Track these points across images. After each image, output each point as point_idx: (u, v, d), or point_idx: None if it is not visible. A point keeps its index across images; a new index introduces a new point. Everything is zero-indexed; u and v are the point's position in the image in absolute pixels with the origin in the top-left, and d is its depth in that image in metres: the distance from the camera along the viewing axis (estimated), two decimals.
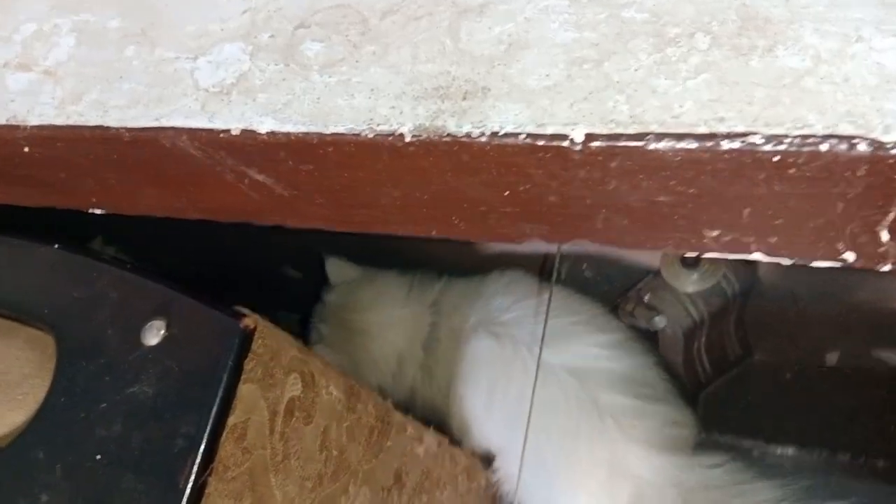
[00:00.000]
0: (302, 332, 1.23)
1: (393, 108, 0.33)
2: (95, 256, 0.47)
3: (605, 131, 0.30)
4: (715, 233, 0.34)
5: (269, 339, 0.44)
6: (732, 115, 0.28)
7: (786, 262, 0.34)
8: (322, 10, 0.38)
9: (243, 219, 0.45)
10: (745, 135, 0.28)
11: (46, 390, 0.44)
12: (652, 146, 0.29)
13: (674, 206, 0.32)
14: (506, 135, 0.31)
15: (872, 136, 0.26)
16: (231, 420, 0.41)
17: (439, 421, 0.92)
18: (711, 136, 0.28)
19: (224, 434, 0.40)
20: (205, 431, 0.40)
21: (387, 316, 0.92)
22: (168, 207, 0.46)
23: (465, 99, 0.32)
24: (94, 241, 1.08)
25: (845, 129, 0.26)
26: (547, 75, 0.31)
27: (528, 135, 0.30)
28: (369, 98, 0.34)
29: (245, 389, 0.42)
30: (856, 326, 0.82)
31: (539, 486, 0.73)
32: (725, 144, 0.28)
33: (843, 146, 0.26)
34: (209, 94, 0.38)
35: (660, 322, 0.71)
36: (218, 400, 0.40)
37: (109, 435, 0.41)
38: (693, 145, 0.28)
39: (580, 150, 0.30)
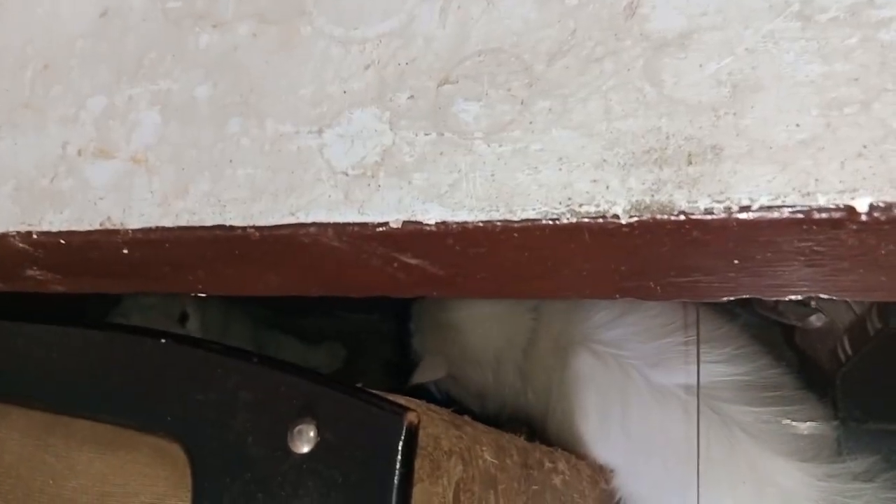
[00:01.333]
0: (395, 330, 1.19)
1: (595, 181, 0.28)
2: (214, 349, 0.42)
3: (894, 197, 0.24)
4: None
5: (429, 426, 0.39)
6: None
7: None
8: (468, 57, 0.31)
9: (379, 294, 0.39)
10: None
11: None
12: None
13: None
14: (760, 209, 0.25)
15: None
16: None
17: (531, 429, 0.88)
18: None
19: None
20: None
21: (479, 311, 0.88)
22: (290, 289, 0.41)
23: (691, 164, 0.26)
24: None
25: None
26: (797, 125, 0.25)
27: (792, 208, 0.25)
28: (559, 170, 0.28)
29: (417, 491, 0.37)
30: None
31: None
32: None
33: None
34: (350, 179, 0.32)
35: (816, 321, 0.66)
36: None
37: None
38: None
39: (862, 222, 0.24)
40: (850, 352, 0.67)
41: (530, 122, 0.29)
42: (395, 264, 0.34)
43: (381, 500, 0.36)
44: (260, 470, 0.39)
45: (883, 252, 0.26)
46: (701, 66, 0.27)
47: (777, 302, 0.67)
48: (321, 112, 0.34)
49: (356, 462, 0.37)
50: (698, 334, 0.68)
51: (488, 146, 0.30)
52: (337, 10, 0.34)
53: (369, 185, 0.31)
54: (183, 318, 1.08)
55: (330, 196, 0.32)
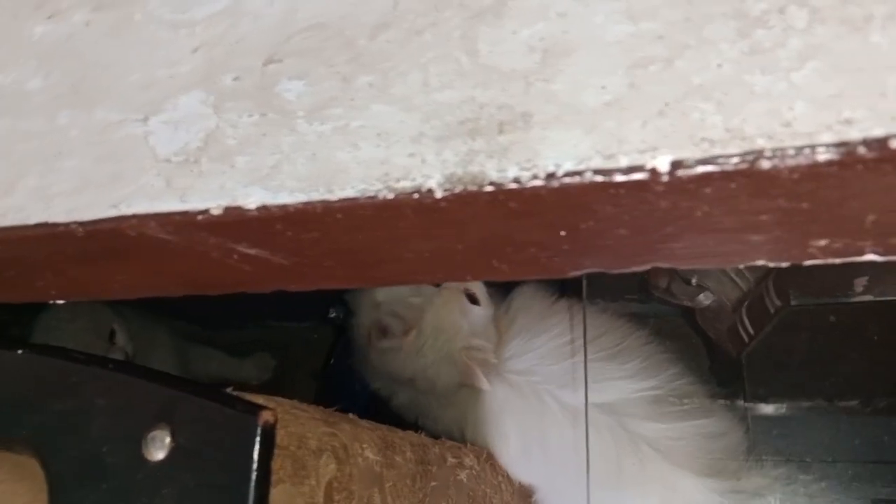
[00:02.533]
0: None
1: (412, 155, 0.27)
2: (72, 357, 0.40)
3: (697, 154, 0.23)
4: (822, 242, 0.28)
5: (291, 424, 0.37)
6: (863, 113, 0.22)
7: None
8: (295, 34, 0.30)
9: (235, 290, 0.38)
10: (885, 139, 0.21)
11: None
12: (762, 166, 0.23)
13: (777, 223, 0.26)
14: (566, 174, 0.24)
15: None
16: None
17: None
18: (840, 146, 0.22)
19: None
20: None
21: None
22: (145, 289, 0.39)
23: (502, 133, 0.26)
24: None
25: None
26: (604, 87, 0.25)
27: (596, 171, 0.24)
28: (378, 146, 0.27)
29: (277, 493, 0.36)
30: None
31: None
32: (861, 152, 0.22)
33: None
34: (173, 166, 0.30)
35: (705, 299, 0.66)
36: None
37: None
38: (816, 159, 0.22)
39: (666, 182, 0.24)
40: (751, 331, 0.68)
41: (352, 99, 0.28)
42: (236, 256, 0.33)
43: (237, 501, 0.34)
44: (115, 480, 0.37)
45: (699, 214, 0.26)
46: (514, 32, 0.27)
47: (669, 284, 0.67)
48: (148, 98, 0.32)
49: (211, 466, 0.35)
50: (585, 338, 0.69)
51: (310, 125, 0.29)
52: None
53: (192, 171, 0.30)
54: (111, 336, 1.06)
55: (153, 185, 0.30)
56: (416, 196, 0.26)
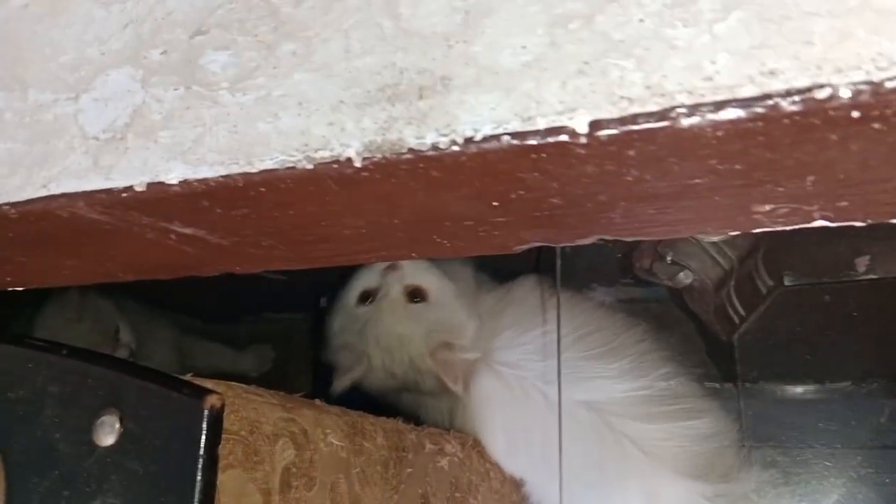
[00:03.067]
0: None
1: (331, 124, 0.26)
2: (28, 344, 0.40)
3: (615, 114, 0.22)
4: (767, 207, 0.26)
5: (243, 409, 0.37)
6: (787, 64, 0.20)
7: (857, 224, 0.27)
8: (221, 5, 0.29)
9: (184, 273, 0.37)
10: (808, 90, 0.20)
11: None
12: (683, 123, 0.21)
13: (714, 187, 0.25)
14: (484, 139, 0.23)
15: None
16: None
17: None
18: (763, 98, 0.20)
19: None
20: None
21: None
22: (93, 275, 0.38)
23: (422, 98, 0.24)
24: None
25: None
26: (524, 47, 0.24)
27: (514, 135, 0.23)
28: (298, 116, 0.26)
29: (227, 478, 0.35)
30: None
31: None
32: (785, 106, 0.20)
33: None
34: (101, 143, 0.29)
35: (685, 278, 0.64)
36: (196, 501, 0.33)
37: None
38: (739, 114, 0.21)
39: (585, 144, 0.22)
40: (742, 312, 0.66)
41: (274, 68, 0.27)
42: (173, 236, 0.32)
43: (184, 487, 0.33)
44: (67, 466, 0.36)
45: (630, 179, 0.24)
46: None
47: (652, 264, 0.66)
48: (79, 77, 0.31)
49: (158, 450, 0.35)
50: (559, 325, 0.67)
51: (233, 96, 0.28)
52: None
53: (118, 148, 0.29)
54: (116, 332, 1.06)
55: (80, 164, 0.30)
56: (335, 166, 0.25)
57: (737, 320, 0.67)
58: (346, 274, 0.90)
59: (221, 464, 0.35)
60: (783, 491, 0.70)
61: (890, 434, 0.67)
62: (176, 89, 0.29)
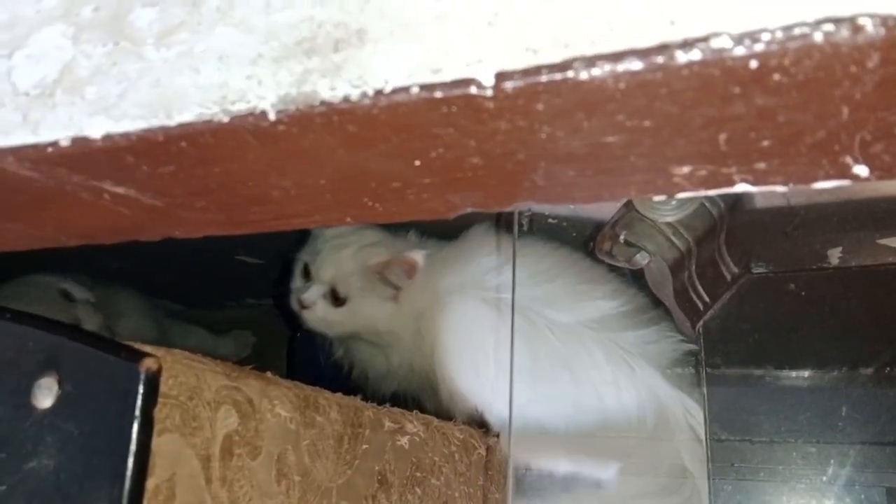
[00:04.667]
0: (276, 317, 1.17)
1: (249, 77, 0.26)
2: None
3: (520, 65, 0.22)
4: (685, 169, 0.26)
5: (182, 374, 0.37)
6: (685, 13, 0.20)
7: (780, 189, 0.27)
8: None
9: (126, 237, 0.37)
10: (706, 38, 0.20)
11: None
12: (584, 75, 0.21)
13: (628, 146, 0.25)
14: (393, 91, 0.23)
15: (884, 11, 0.18)
16: (151, 482, 0.34)
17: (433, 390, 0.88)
18: (661, 49, 0.20)
19: (146, 501, 0.34)
20: (121, 503, 0.33)
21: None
22: (36, 239, 0.38)
23: (337, 51, 0.24)
24: None
25: (845, 9, 0.19)
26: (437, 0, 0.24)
27: (422, 86, 0.23)
28: (218, 70, 0.26)
29: (163, 442, 0.35)
30: (855, 218, 0.76)
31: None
32: (681, 56, 0.20)
33: (845, 32, 0.19)
34: (31, 99, 0.29)
35: (642, 259, 0.64)
36: (130, 463, 0.33)
37: None
38: (638, 65, 0.21)
39: (493, 96, 0.22)
40: (707, 299, 0.66)
41: (198, 23, 0.27)
42: (107, 196, 0.32)
43: (118, 449, 0.34)
44: (3, 429, 0.36)
45: (544, 136, 0.24)
46: None
47: (612, 247, 0.66)
48: (14, 35, 0.31)
49: (95, 412, 0.35)
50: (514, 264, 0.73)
51: (157, 51, 0.28)
52: None
53: (46, 104, 0.29)
54: (67, 296, 1.02)
55: (10, 119, 0.29)
56: (250, 118, 0.25)
57: (700, 307, 0.67)
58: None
59: (157, 427, 0.35)
60: (747, 482, 0.70)
61: (857, 424, 0.67)
62: (104, 45, 0.29)
